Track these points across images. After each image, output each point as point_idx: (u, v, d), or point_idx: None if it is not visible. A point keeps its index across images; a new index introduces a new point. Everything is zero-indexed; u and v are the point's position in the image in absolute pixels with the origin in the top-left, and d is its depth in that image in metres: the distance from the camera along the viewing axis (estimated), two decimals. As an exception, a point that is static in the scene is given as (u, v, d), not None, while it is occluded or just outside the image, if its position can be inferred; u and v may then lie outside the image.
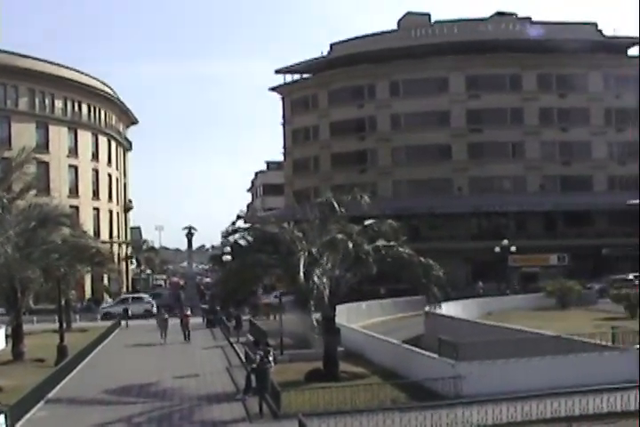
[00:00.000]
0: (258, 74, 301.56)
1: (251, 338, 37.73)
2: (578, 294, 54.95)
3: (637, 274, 62.86)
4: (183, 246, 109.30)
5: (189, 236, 76.66)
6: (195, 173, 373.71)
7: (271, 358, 23.19)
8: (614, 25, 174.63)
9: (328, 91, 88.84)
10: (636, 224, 70.74)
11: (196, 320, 48.32)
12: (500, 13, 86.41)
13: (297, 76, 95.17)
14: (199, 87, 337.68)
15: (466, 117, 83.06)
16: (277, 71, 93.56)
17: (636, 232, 69.30)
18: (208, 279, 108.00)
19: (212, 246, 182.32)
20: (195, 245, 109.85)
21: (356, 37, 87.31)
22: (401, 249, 27.82)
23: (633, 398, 20.27)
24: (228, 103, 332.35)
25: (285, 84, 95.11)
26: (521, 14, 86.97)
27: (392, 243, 28.28)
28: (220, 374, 29.32)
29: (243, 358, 31.73)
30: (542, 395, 20.35)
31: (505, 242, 66.36)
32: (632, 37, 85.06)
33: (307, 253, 25.79)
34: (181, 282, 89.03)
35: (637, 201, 75.58)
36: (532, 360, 23.43)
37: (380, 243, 28.22)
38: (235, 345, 37.80)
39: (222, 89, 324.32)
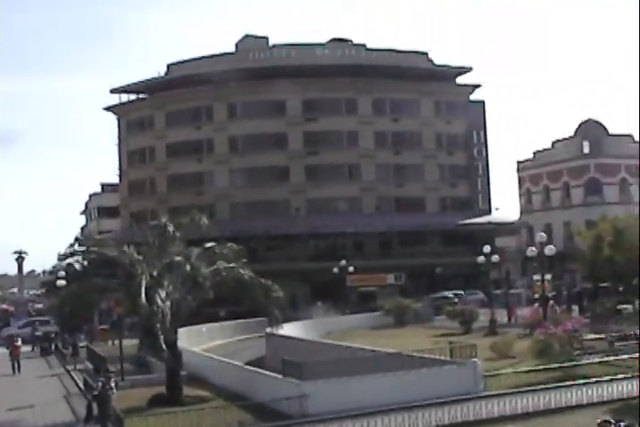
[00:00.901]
0: (93, 92, 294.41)
1: (89, 365, 36.56)
2: (414, 311, 56.38)
3: (456, 292, 65.60)
4: (9, 271, 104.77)
5: (20, 260, 73.74)
6: (24, 193, 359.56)
7: (112, 385, 22.47)
8: (444, 54, 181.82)
9: (165, 112, 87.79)
10: (465, 244, 73.61)
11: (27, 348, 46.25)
12: (336, 39, 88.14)
13: (133, 97, 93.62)
14: (37, 103, 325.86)
15: (303, 140, 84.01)
16: (113, 91, 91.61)
17: (466, 251, 71.90)
18: (40, 305, 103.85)
19: (44, 271, 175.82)
20: (25, 269, 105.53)
21: (194, 58, 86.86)
22: (242, 271, 27.84)
23: (472, 410, 21.00)
24: (62, 122, 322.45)
25: (121, 103, 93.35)
26: (356, 41, 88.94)
27: (232, 265, 28.25)
28: (57, 404, 28.14)
29: (82, 385, 30.67)
30: (387, 410, 20.74)
31: (343, 262, 67.32)
32: (461, 67, 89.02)
33: (148, 277, 25.34)
34: (10, 309, 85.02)
35: (469, 221, 78.91)
36: (375, 377, 23.78)
37: (221, 265, 28.13)
38: (72, 373, 36.48)
39: (58, 106, 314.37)
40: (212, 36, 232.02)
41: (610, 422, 12.81)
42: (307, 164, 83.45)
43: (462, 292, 66.36)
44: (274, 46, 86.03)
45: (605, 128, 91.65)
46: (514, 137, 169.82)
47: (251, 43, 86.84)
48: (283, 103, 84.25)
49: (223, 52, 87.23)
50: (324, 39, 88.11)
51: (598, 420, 13.03)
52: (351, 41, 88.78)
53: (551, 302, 41.57)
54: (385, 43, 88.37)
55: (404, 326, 53.18)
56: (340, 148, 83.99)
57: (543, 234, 45.52)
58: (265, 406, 23.37)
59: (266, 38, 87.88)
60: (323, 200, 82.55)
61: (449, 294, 65.57)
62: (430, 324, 54.08)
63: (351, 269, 67.56)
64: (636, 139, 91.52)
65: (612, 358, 28.49)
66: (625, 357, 28.08)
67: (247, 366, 29.28)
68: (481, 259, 49.11)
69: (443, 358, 27.06)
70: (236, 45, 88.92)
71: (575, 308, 49.49)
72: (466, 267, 69.10)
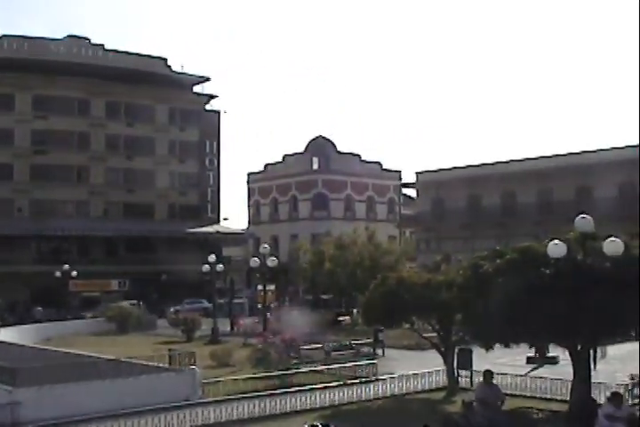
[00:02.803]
0: None
1: None
2: (137, 319, 55.61)
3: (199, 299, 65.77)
4: None
5: None
6: None
7: None
8: (182, 62, 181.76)
9: None
10: (193, 252, 73.77)
11: None
12: (72, 36, 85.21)
13: None
14: None
15: (31, 138, 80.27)
16: None
17: (193, 259, 71.97)
18: None
19: None
20: None
21: None
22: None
23: (188, 416, 21.05)
24: None
25: None
26: (95, 41, 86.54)
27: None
28: None
29: None
30: (102, 417, 20.31)
31: (66, 267, 65.08)
32: (199, 76, 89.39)
33: None
34: None
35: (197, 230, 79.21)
36: (92, 384, 23.17)
37: None
38: None
39: None
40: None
41: (318, 426, 13.30)
42: (33, 163, 79.83)
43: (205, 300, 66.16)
44: (3, 36, 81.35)
45: (334, 146, 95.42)
46: (247, 149, 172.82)
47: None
48: (11, 98, 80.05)
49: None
50: (60, 35, 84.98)
51: (306, 425, 13.49)
52: (89, 39, 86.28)
53: (268, 314, 42.53)
54: (126, 46, 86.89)
55: (127, 333, 52.27)
56: (69, 149, 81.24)
57: (267, 246, 46.53)
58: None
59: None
60: (49, 202, 79.45)
61: (202, 300, 65.64)
62: (153, 331, 53.58)
63: (74, 273, 65.40)
64: (363, 158, 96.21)
65: (326, 366, 29.61)
66: (338, 366, 29.30)
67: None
68: (206, 267, 49.36)
69: (162, 365, 26.98)
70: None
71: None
72: (192, 275, 69.08)
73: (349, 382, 26.71)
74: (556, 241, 18.39)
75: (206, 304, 63.84)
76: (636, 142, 62.96)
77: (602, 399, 19.07)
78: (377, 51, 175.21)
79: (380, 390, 25.66)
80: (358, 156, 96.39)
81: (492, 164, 74.29)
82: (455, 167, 77.98)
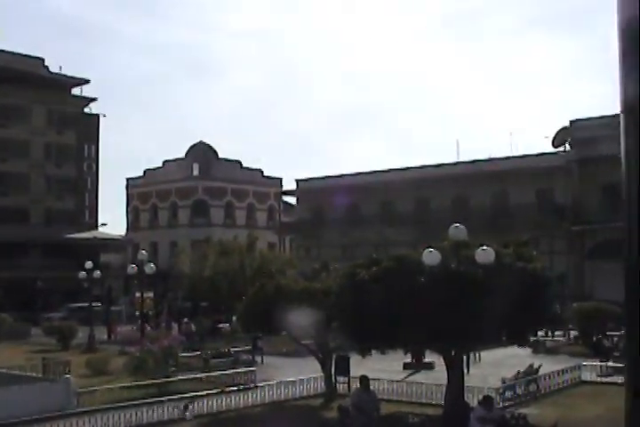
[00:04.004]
0: None
1: None
2: (9, 327, 53.87)
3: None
4: None
5: None
6: None
7: None
8: (61, 63, 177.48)
9: None
10: (70, 258, 72.08)
11: None
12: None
13: None
14: None
15: None
16: None
17: (70, 265, 70.38)
18: None
19: None
20: None
21: None
22: None
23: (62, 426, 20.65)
24: None
25: None
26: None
27: None
28: None
29: None
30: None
31: None
32: (78, 78, 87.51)
33: None
34: None
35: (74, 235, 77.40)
36: (-41, 395, 22.41)
37: None
38: None
39: None
40: None
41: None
42: None
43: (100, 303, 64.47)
44: None
45: (215, 152, 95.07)
46: (127, 153, 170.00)
47: None
48: None
49: None
50: None
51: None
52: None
53: (138, 322, 42.01)
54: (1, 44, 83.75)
55: (-2, 342, 50.60)
56: (-61, 150, 78.37)
57: (144, 252, 45.92)
58: None
59: None
60: None
61: (79, 307, 63.97)
62: (27, 340, 52.03)
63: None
64: (244, 165, 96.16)
65: (205, 374, 29.47)
66: (216, 373, 29.23)
67: None
68: (82, 274, 48.32)
69: (35, 374, 26.31)
70: None
71: (175, 326, 50.52)
72: (69, 281, 67.49)
73: (228, 389, 26.66)
74: (431, 249, 18.89)
75: (83, 311, 62.42)
76: (511, 154, 65.34)
77: (474, 403, 19.65)
78: (255, 55, 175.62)
79: (259, 398, 25.75)
80: (239, 162, 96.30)
81: (371, 173, 75.64)
82: (335, 176, 78.93)
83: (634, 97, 2.05)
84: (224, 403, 24.57)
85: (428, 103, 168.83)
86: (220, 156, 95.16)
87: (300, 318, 25.22)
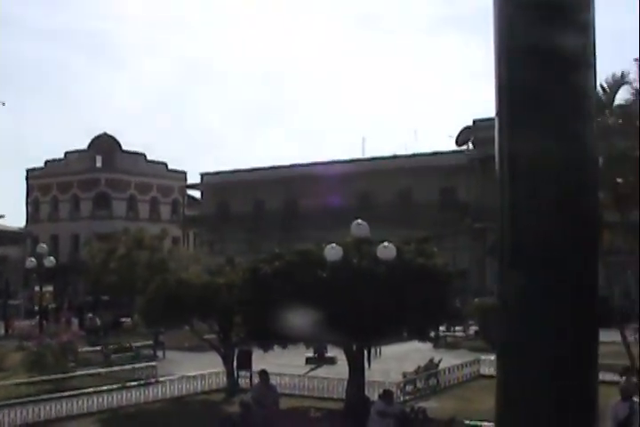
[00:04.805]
0: None
1: None
2: None
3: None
4: None
5: None
6: None
7: None
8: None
9: None
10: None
11: None
12: None
13: None
14: None
15: None
16: None
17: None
18: None
19: None
20: None
21: None
22: None
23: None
24: None
25: None
26: None
27: None
28: None
29: None
30: None
31: None
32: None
33: None
34: None
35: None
36: None
37: None
38: None
39: None
40: None
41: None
42: None
43: None
44: None
45: (119, 144, 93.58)
46: (27, 144, 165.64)
47: None
48: None
49: None
50: None
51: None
52: None
53: (37, 317, 41.17)
54: None
55: None
56: None
57: (44, 245, 45.09)
58: None
59: None
60: None
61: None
62: None
63: None
64: (149, 158, 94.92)
65: (105, 369, 29.07)
66: (117, 368, 28.86)
67: None
68: (-21, 267, 47.12)
69: None
70: None
71: (75, 320, 49.62)
72: None
73: (128, 384, 26.34)
74: (333, 245, 19.05)
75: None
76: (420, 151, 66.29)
77: (375, 397, 19.88)
78: (165, 46, 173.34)
79: (160, 393, 25.52)
80: (144, 155, 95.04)
81: (276, 168, 75.64)
82: (239, 170, 78.67)
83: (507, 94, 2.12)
84: (124, 398, 24.27)
85: (342, 102, 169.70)
86: (124, 148, 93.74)
87: (201, 313, 25.14)
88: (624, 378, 17.68)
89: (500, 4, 2.28)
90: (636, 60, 17.86)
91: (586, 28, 2.26)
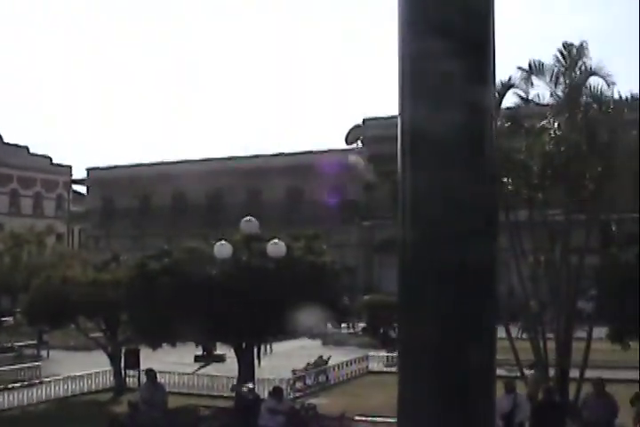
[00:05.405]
0: None
1: None
2: None
3: None
4: None
5: None
6: None
7: None
8: None
9: None
10: None
11: None
12: None
13: None
14: None
15: None
16: None
17: None
18: None
19: None
20: None
21: None
22: None
23: None
24: None
25: None
26: None
27: None
28: None
29: None
30: None
31: None
32: None
33: None
34: None
35: None
36: None
37: None
38: None
39: None
40: None
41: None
42: None
43: None
44: None
45: (1, 136, 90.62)
46: None
47: None
48: None
49: None
50: None
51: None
52: None
53: None
54: None
55: None
56: None
57: None
58: None
59: None
60: None
61: None
62: None
63: None
64: (31, 151, 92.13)
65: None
66: (6, 368, 27.93)
67: None
68: None
69: None
70: None
71: None
72: None
73: (11, 386, 25.51)
74: (223, 242, 18.91)
75: None
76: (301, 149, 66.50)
77: (265, 394, 19.84)
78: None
79: (45, 394, 24.82)
80: (26, 148, 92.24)
81: (164, 163, 74.65)
82: (126, 165, 77.32)
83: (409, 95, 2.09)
84: (6, 400, 23.52)
85: (239, 101, 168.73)
86: (6, 140, 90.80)
87: (87, 311, 24.61)
88: (532, 371, 18.94)
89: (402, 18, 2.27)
90: (519, 68, 18.72)
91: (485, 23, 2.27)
